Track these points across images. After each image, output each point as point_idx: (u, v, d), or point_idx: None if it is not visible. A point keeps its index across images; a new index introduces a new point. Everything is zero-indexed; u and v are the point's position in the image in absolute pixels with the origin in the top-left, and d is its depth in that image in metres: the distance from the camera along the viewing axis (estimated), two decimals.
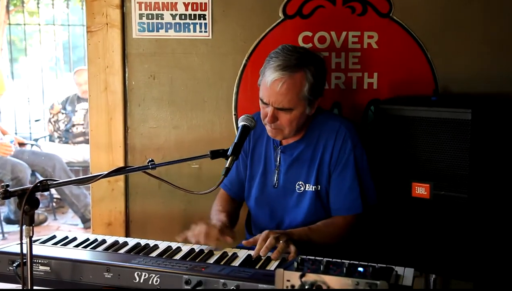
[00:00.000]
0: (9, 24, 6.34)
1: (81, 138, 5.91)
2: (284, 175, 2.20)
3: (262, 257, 1.87)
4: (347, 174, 2.13)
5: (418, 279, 2.41)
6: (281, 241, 1.88)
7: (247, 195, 2.32)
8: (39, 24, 6.67)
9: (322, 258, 1.59)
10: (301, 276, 1.46)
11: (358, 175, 2.14)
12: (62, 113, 5.97)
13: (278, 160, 2.21)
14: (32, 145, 5.69)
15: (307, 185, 2.17)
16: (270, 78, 2.01)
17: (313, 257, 1.60)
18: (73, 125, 5.96)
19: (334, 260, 1.65)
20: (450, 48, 2.51)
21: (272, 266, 1.80)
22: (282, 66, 2.01)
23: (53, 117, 6.02)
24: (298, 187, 2.18)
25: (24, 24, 6.62)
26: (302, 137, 2.18)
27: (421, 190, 2.23)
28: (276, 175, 2.21)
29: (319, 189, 2.16)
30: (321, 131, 2.17)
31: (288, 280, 1.47)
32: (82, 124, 5.85)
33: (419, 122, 2.21)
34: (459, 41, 2.51)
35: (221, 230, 2.02)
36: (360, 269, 1.49)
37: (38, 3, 6.62)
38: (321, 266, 1.49)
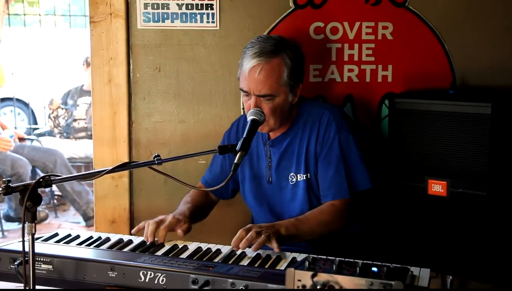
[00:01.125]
0: (8, 14, 6.27)
1: (83, 133, 5.86)
2: (276, 169, 2.21)
3: (237, 252, 1.85)
4: (332, 157, 2.12)
5: (434, 280, 2.38)
6: (263, 235, 1.86)
7: (242, 193, 2.33)
8: (39, 15, 6.62)
9: (334, 258, 1.55)
10: (313, 276, 1.42)
11: (344, 158, 2.12)
12: (62, 108, 5.92)
13: (268, 155, 2.21)
14: (32, 140, 5.63)
15: (298, 175, 2.17)
16: (247, 66, 2.05)
17: (325, 257, 1.57)
18: (75, 120, 5.90)
19: (347, 259, 1.61)
20: (469, 38, 2.46)
21: (282, 265, 1.77)
22: (259, 53, 2.04)
23: (52, 113, 5.96)
24: (290, 179, 2.19)
25: (24, 15, 6.57)
26: (288, 129, 2.19)
27: (437, 187, 2.19)
28: (268, 171, 2.22)
29: (309, 177, 2.15)
30: (306, 120, 2.17)
31: (299, 280, 1.44)
32: (84, 119, 5.80)
33: (436, 117, 2.17)
34: (478, 31, 2.45)
35: (173, 223, 2.00)
36: (374, 269, 1.45)
37: None
38: (334, 266, 1.46)
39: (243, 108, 2.54)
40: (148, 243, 1.95)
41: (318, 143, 2.14)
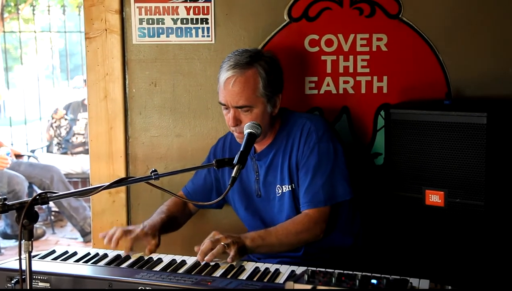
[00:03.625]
0: (4, 32, 6.29)
1: (80, 149, 5.86)
2: (263, 183, 2.21)
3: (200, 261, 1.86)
4: (310, 166, 2.11)
5: None
6: (221, 243, 1.87)
7: (234, 207, 2.34)
8: (35, 32, 6.61)
9: (333, 270, 1.53)
10: (312, 289, 1.41)
11: (323, 168, 2.11)
12: (65, 119, 5.92)
13: (255, 169, 2.22)
14: (29, 157, 5.61)
15: (283, 186, 2.17)
16: (223, 78, 2.09)
17: (324, 269, 1.55)
18: (74, 135, 5.90)
19: (346, 272, 1.59)
20: (463, 49, 2.46)
21: (281, 279, 1.75)
22: (233, 65, 2.08)
23: (55, 122, 5.96)
24: (277, 191, 2.19)
25: (20, 32, 6.57)
26: (272, 141, 2.21)
27: (435, 197, 2.18)
28: (257, 185, 2.23)
29: (293, 187, 2.15)
30: (289, 131, 2.19)
31: None
32: (83, 134, 5.79)
33: (432, 127, 2.17)
34: (472, 42, 2.46)
35: (140, 236, 2.03)
36: (374, 281, 1.44)
37: (33, 10, 6.56)
38: (333, 279, 1.45)
39: None
40: (112, 248, 1.98)
41: (299, 153, 2.14)
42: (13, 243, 4.96)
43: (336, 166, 2.12)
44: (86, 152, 5.59)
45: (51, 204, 5.32)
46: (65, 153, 5.99)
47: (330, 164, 2.11)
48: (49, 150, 6.14)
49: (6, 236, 5.05)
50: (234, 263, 1.86)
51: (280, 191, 2.18)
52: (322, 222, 2.09)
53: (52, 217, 5.52)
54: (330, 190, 2.10)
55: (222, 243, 1.87)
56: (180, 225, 2.34)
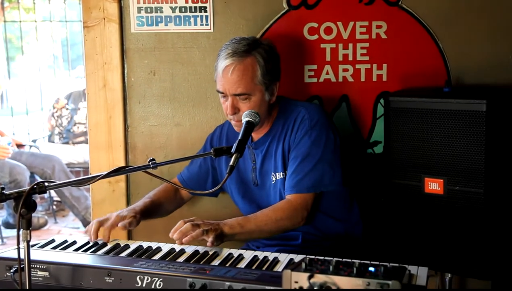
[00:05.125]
0: (5, 21, 6.26)
1: (82, 138, 5.86)
2: (260, 171, 2.21)
3: (176, 242, 1.89)
4: (299, 153, 2.11)
5: (432, 279, 2.37)
6: (200, 228, 1.88)
7: (231, 196, 2.35)
8: (36, 21, 6.58)
9: (331, 258, 1.53)
10: (310, 277, 1.41)
11: (312, 155, 2.10)
12: (67, 109, 5.92)
13: (252, 157, 2.22)
14: (30, 146, 5.63)
15: (277, 174, 2.17)
16: (221, 66, 2.08)
17: (322, 257, 1.55)
18: (75, 124, 5.90)
19: (344, 260, 1.59)
20: (463, 36, 2.45)
21: (280, 267, 1.75)
22: (232, 53, 2.07)
23: (56, 112, 5.96)
24: (272, 178, 2.19)
25: (20, 21, 6.54)
26: (269, 130, 2.20)
27: (434, 185, 2.18)
28: (253, 173, 2.23)
29: (286, 174, 2.15)
30: (285, 119, 2.18)
31: (296, 282, 1.42)
32: (84, 124, 5.80)
33: (431, 115, 2.16)
34: (472, 29, 2.44)
35: (116, 222, 2.05)
36: (371, 268, 1.43)
37: None
38: (331, 267, 1.44)
39: None
40: (91, 242, 1.98)
41: (291, 139, 2.14)
42: (15, 232, 4.95)
43: (327, 154, 2.11)
44: (87, 141, 5.59)
45: (53, 193, 5.36)
46: (67, 143, 5.99)
47: (319, 152, 2.10)
48: (50, 139, 6.15)
49: (8, 226, 5.07)
50: (216, 249, 1.87)
51: (274, 178, 2.18)
52: (303, 209, 2.08)
53: (54, 207, 5.54)
54: (317, 178, 2.09)
55: (201, 229, 1.88)
56: (169, 212, 2.35)
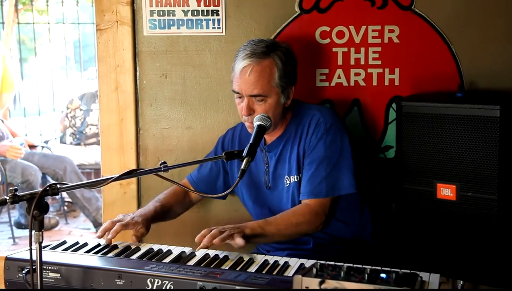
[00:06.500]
0: (18, 23, 6.32)
1: (93, 140, 5.89)
2: (273, 174, 2.21)
3: (201, 249, 1.86)
4: (315, 157, 2.11)
5: (444, 285, 2.34)
6: (226, 232, 1.87)
7: (242, 200, 2.34)
8: (49, 23, 6.64)
9: (342, 264, 1.53)
10: (321, 283, 1.40)
11: (328, 160, 2.10)
12: (81, 109, 5.95)
13: (265, 160, 2.22)
14: (42, 147, 5.66)
15: (291, 177, 2.17)
16: (239, 67, 2.08)
17: (333, 263, 1.54)
18: (87, 126, 5.94)
19: (355, 265, 1.58)
20: (476, 41, 2.43)
21: (290, 272, 1.75)
22: (250, 54, 2.08)
23: (70, 112, 6.00)
24: (285, 182, 2.18)
25: (34, 23, 6.60)
26: (283, 133, 2.20)
27: (446, 191, 2.16)
28: (266, 176, 2.22)
29: (301, 177, 2.15)
30: (299, 122, 2.18)
31: (307, 287, 1.42)
32: (96, 125, 5.83)
33: (444, 120, 2.14)
34: (486, 33, 2.42)
35: (129, 224, 2.04)
36: (383, 275, 1.43)
37: (47, 1, 6.59)
38: (342, 272, 1.43)
39: None
40: (104, 243, 1.98)
41: (307, 143, 2.14)
42: (27, 232, 4.96)
43: (342, 158, 2.12)
44: (99, 143, 5.62)
45: (64, 194, 5.38)
46: (79, 144, 6.03)
47: (336, 156, 2.11)
48: (62, 140, 6.18)
49: (20, 226, 5.09)
50: (242, 256, 1.86)
51: (288, 182, 2.18)
52: (322, 213, 2.09)
53: (65, 208, 5.56)
54: (333, 182, 2.10)
55: (227, 232, 1.87)
56: (178, 214, 2.35)
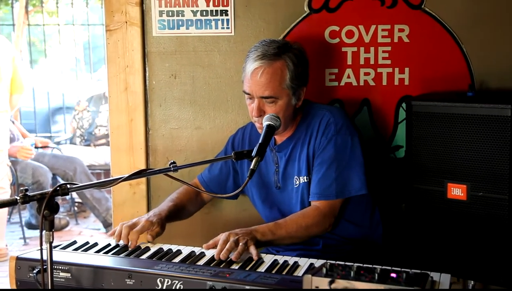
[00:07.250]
0: (29, 25, 6.35)
1: (103, 141, 5.92)
2: (283, 174, 2.20)
3: (223, 260, 1.82)
4: (325, 158, 2.09)
5: (455, 286, 2.33)
6: (240, 243, 1.85)
7: (251, 199, 2.34)
8: (59, 25, 6.68)
9: (352, 264, 1.53)
10: (331, 283, 1.40)
11: (338, 161, 2.09)
12: (88, 111, 5.98)
13: (275, 160, 2.21)
14: (52, 148, 5.70)
15: (300, 177, 2.16)
16: (250, 68, 2.06)
17: (343, 263, 1.54)
18: (96, 127, 5.96)
19: (365, 265, 1.57)
20: (487, 40, 2.41)
21: (300, 272, 1.74)
22: (261, 56, 2.06)
23: (78, 114, 6.03)
24: (295, 182, 2.17)
25: (44, 25, 6.63)
26: (293, 133, 2.19)
27: (457, 191, 2.14)
28: (276, 176, 2.22)
29: (310, 178, 2.14)
30: (309, 123, 2.17)
31: (317, 287, 1.42)
32: (106, 126, 5.86)
33: (455, 119, 2.13)
34: (497, 32, 2.40)
35: (145, 227, 2.03)
36: (393, 275, 1.43)
37: (57, 3, 6.64)
38: (352, 272, 1.43)
39: None
40: (121, 245, 1.98)
41: (317, 143, 2.12)
42: (37, 233, 5.03)
43: (352, 159, 2.10)
44: (108, 143, 5.64)
45: (74, 195, 5.41)
46: (88, 145, 6.06)
47: (346, 157, 2.09)
48: (72, 141, 6.22)
49: (31, 226, 5.13)
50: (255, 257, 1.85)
51: (297, 182, 2.17)
52: (331, 215, 2.08)
53: (76, 208, 5.59)
54: (344, 183, 2.09)
55: (241, 244, 1.86)
56: (191, 214, 2.34)
